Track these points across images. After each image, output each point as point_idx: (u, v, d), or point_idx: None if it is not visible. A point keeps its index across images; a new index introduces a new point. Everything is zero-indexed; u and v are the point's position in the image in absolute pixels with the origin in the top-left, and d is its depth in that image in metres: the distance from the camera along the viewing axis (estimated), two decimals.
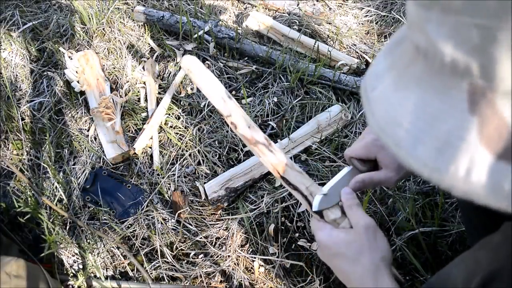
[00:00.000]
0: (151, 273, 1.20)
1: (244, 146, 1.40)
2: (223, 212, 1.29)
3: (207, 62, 1.62)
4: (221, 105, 0.71)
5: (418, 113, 0.37)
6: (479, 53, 0.31)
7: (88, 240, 1.25)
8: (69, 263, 1.23)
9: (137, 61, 1.64)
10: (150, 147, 1.41)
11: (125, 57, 1.65)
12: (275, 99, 1.49)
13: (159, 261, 1.21)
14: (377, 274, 0.60)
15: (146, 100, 1.52)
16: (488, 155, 0.33)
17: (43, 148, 1.43)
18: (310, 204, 0.70)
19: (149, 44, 1.68)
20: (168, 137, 1.43)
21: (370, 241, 0.62)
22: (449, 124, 0.34)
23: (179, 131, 1.45)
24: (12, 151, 1.44)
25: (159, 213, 1.27)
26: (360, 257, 0.62)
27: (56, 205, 1.28)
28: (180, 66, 1.61)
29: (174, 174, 1.35)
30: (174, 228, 1.26)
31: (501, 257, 0.50)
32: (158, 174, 1.36)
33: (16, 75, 1.62)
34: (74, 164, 1.40)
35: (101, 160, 1.40)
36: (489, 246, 0.53)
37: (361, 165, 0.75)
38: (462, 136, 0.33)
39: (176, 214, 1.26)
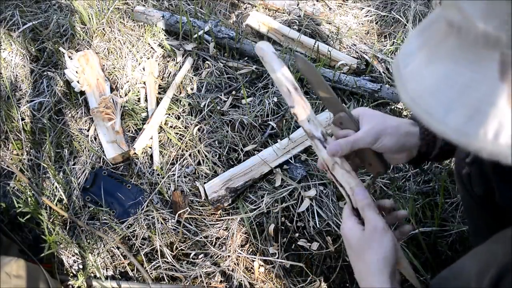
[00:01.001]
0: (151, 273, 1.20)
1: (244, 146, 1.40)
2: (223, 212, 1.29)
3: (207, 62, 1.62)
4: (286, 95, 0.73)
5: (450, 83, 0.40)
6: (509, 26, 0.34)
7: (88, 240, 1.25)
8: (69, 263, 1.23)
9: (137, 61, 1.64)
10: (150, 147, 1.41)
11: (125, 57, 1.65)
12: (275, 99, 1.49)
13: (159, 261, 1.21)
14: (375, 273, 0.63)
15: (146, 100, 1.52)
16: None
17: (43, 148, 1.43)
18: (352, 205, 0.72)
19: (149, 44, 1.68)
20: (168, 137, 1.43)
21: (374, 242, 0.65)
22: (480, 92, 0.38)
23: (179, 131, 1.45)
24: (12, 151, 1.44)
25: (159, 213, 1.27)
26: (363, 254, 0.65)
27: (56, 205, 1.28)
28: (180, 66, 1.61)
29: (174, 174, 1.35)
30: (174, 228, 1.26)
31: None
32: (158, 174, 1.36)
33: (16, 75, 1.62)
34: (74, 164, 1.40)
35: (101, 160, 1.40)
36: (503, 239, 0.54)
37: (338, 129, 0.76)
38: (493, 102, 0.37)
39: (176, 214, 1.26)
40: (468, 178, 0.80)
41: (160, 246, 1.22)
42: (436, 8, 0.47)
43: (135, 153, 1.39)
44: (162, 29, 1.69)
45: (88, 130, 1.47)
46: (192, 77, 1.58)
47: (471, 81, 0.38)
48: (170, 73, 1.61)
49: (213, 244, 1.23)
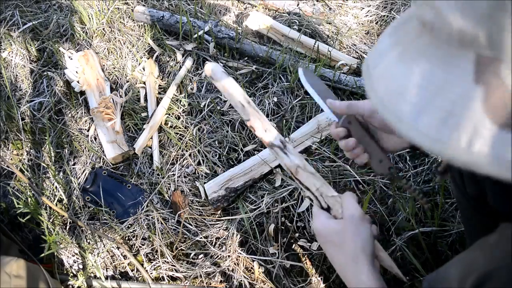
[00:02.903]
0: (151, 273, 1.20)
1: (244, 146, 1.40)
2: (223, 212, 1.29)
3: (207, 62, 1.62)
4: (240, 109, 0.76)
5: (423, 84, 0.37)
6: (487, 22, 0.31)
7: (88, 240, 1.25)
8: (69, 263, 1.23)
9: (137, 61, 1.64)
10: (150, 147, 1.41)
11: (125, 57, 1.65)
12: (275, 99, 1.49)
13: (159, 261, 1.21)
14: (357, 262, 0.64)
15: (146, 100, 1.52)
16: (491, 125, 0.33)
17: (43, 148, 1.43)
18: (320, 204, 0.73)
19: (149, 44, 1.68)
20: (168, 137, 1.43)
21: (352, 231, 0.66)
22: (454, 94, 0.35)
23: (179, 131, 1.45)
24: (12, 151, 1.44)
25: (159, 213, 1.27)
26: (343, 245, 0.66)
27: (56, 205, 1.28)
28: (180, 66, 1.61)
29: (174, 174, 1.35)
30: (174, 228, 1.26)
31: (496, 258, 0.50)
32: (158, 174, 1.36)
33: (16, 75, 1.62)
34: (74, 164, 1.40)
35: (101, 160, 1.40)
36: (485, 247, 0.54)
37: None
38: (467, 105, 0.34)
39: (176, 214, 1.26)
40: (461, 179, 0.80)
41: (160, 246, 1.22)
42: (409, 7, 0.46)
43: (135, 153, 1.39)
44: (162, 29, 1.69)
45: (88, 130, 1.47)
46: (192, 77, 1.58)
47: (445, 82, 0.35)
48: (170, 73, 1.61)
49: (213, 244, 1.23)
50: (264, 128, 0.76)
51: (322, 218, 0.71)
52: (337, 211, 0.72)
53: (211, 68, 0.76)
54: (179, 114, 1.49)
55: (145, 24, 1.73)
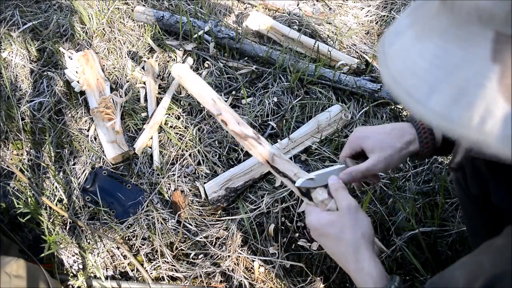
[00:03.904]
0: (151, 273, 1.20)
1: None
2: (223, 212, 1.29)
3: (207, 62, 1.62)
4: (211, 105, 0.79)
5: (438, 63, 0.36)
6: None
7: (88, 240, 1.25)
8: (69, 263, 1.23)
9: (137, 61, 1.64)
10: (150, 147, 1.41)
11: (125, 57, 1.65)
12: (275, 99, 1.49)
13: (159, 261, 1.21)
14: (358, 250, 0.65)
15: (146, 100, 1.52)
16: (505, 105, 0.33)
17: (43, 148, 1.43)
18: (299, 189, 0.76)
19: (149, 44, 1.68)
20: (168, 137, 1.43)
21: (351, 220, 0.67)
22: (469, 72, 0.34)
23: (179, 131, 1.45)
24: (12, 151, 1.44)
25: (159, 213, 1.27)
26: (342, 235, 0.67)
27: (56, 205, 1.28)
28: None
29: (174, 174, 1.35)
30: (174, 228, 1.26)
31: (504, 261, 0.50)
32: (158, 174, 1.36)
33: (16, 75, 1.62)
34: (74, 164, 1.40)
35: (101, 160, 1.40)
36: (491, 250, 0.54)
37: (353, 163, 0.79)
38: (482, 84, 0.33)
39: (176, 214, 1.26)
40: (464, 178, 0.81)
41: (160, 246, 1.22)
42: None
43: (135, 153, 1.39)
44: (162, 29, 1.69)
45: (88, 130, 1.47)
46: None
47: (461, 61, 0.35)
48: (170, 73, 1.61)
49: (213, 244, 1.23)
50: (237, 121, 0.78)
51: (315, 213, 0.73)
52: (317, 193, 0.75)
53: (178, 68, 0.75)
54: (179, 114, 1.49)
55: (145, 24, 1.73)
